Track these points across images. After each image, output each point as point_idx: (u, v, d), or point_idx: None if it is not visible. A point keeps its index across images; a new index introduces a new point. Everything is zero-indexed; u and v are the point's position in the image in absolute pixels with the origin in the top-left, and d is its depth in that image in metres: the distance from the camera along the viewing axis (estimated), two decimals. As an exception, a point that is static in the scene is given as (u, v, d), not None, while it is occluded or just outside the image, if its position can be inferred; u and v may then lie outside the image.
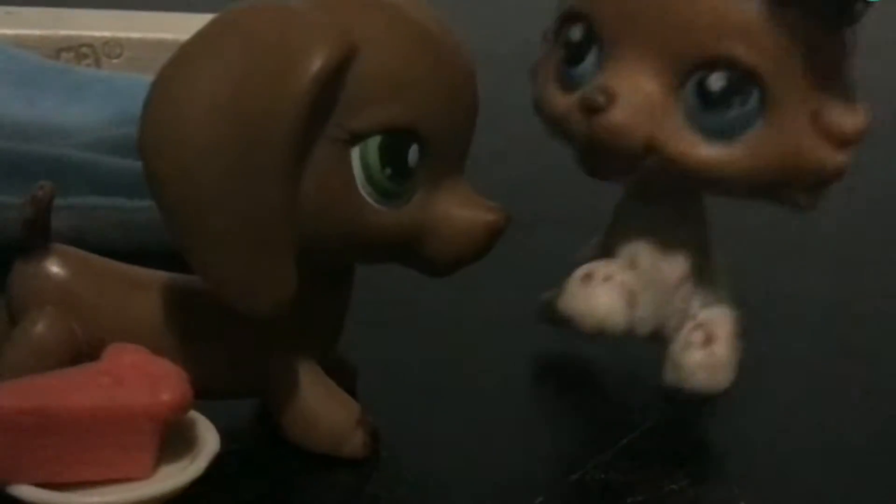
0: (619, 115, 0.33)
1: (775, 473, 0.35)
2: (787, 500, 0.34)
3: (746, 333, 0.42)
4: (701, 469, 0.35)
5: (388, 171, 0.31)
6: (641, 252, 0.36)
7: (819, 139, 0.33)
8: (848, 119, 0.33)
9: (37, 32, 0.63)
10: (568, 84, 0.35)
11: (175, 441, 0.32)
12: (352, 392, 0.35)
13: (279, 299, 0.31)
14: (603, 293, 0.35)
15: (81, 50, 0.63)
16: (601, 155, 0.34)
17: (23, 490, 0.30)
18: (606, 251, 0.37)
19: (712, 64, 0.33)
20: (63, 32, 0.63)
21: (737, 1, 0.32)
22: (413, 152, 0.31)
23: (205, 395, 0.32)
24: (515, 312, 0.42)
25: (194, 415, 0.32)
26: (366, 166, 0.31)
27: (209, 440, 0.32)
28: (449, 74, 0.32)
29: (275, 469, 0.33)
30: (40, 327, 0.33)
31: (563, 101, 0.35)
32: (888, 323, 0.46)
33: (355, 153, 0.31)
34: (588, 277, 0.35)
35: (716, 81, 0.33)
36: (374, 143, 0.31)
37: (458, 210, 0.32)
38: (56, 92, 0.57)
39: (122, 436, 0.30)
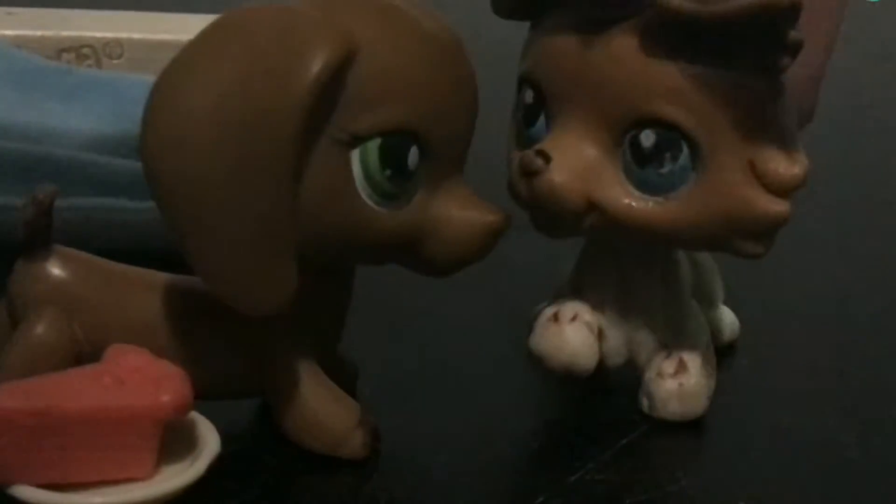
0: (555, 177, 0.34)
1: (775, 474, 0.35)
2: (786, 500, 0.34)
3: (735, 331, 0.42)
4: (700, 470, 0.36)
5: (388, 172, 0.31)
6: (608, 291, 0.37)
7: (757, 189, 0.34)
8: (786, 167, 0.34)
9: (37, 33, 0.63)
10: (525, 144, 0.36)
11: (176, 442, 0.32)
12: (351, 392, 0.35)
13: (280, 299, 0.31)
14: (570, 333, 0.36)
15: (82, 51, 0.63)
16: (543, 215, 0.35)
17: (25, 491, 0.30)
18: (576, 286, 0.38)
19: (642, 123, 0.33)
20: (64, 33, 0.63)
21: (661, 62, 0.33)
22: (413, 154, 0.31)
23: (205, 395, 0.32)
24: (514, 313, 0.42)
25: (195, 415, 0.33)
26: (366, 168, 0.31)
27: (210, 441, 0.32)
28: (449, 76, 0.32)
29: (275, 469, 0.33)
30: (41, 328, 0.33)
31: (513, 161, 0.36)
32: (889, 321, 0.46)
33: (355, 155, 0.31)
34: (555, 318, 0.36)
35: (646, 139, 0.33)
36: (374, 145, 0.31)
37: (458, 211, 0.32)
38: (57, 93, 0.57)
39: (123, 436, 0.31)
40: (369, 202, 0.31)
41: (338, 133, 0.30)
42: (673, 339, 0.37)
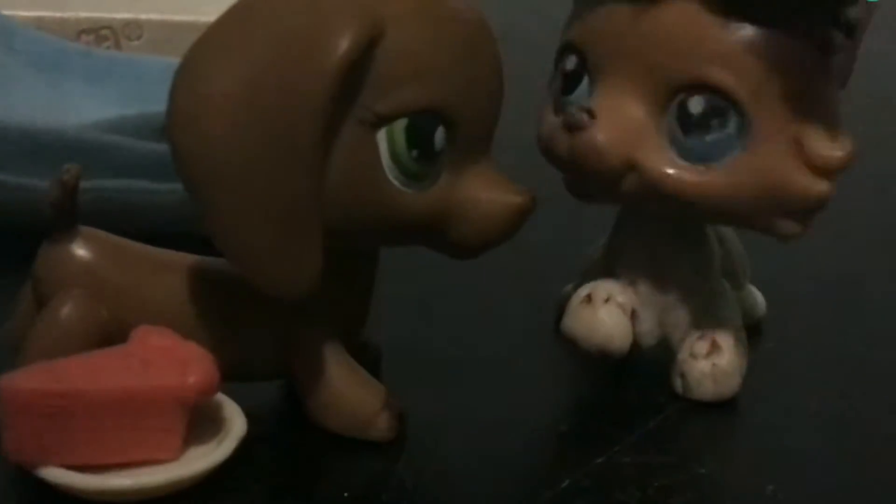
0: (598, 134, 0.33)
1: (803, 456, 0.35)
2: (814, 484, 0.34)
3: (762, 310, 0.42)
4: (728, 452, 0.35)
5: (415, 153, 0.31)
6: (640, 272, 0.37)
7: (800, 167, 0.33)
8: (830, 148, 0.33)
9: (56, 14, 0.63)
10: (563, 110, 0.35)
11: (202, 424, 0.32)
12: (376, 374, 0.35)
13: (306, 281, 0.31)
14: (604, 314, 0.36)
15: (101, 32, 0.63)
16: (581, 174, 0.34)
17: (53, 472, 0.30)
18: (607, 267, 0.38)
19: (692, 88, 0.33)
20: (83, 14, 0.63)
21: (716, 27, 0.33)
22: (439, 134, 0.31)
23: (231, 377, 0.32)
24: (541, 293, 0.42)
25: (221, 398, 0.33)
26: (392, 148, 0.31)
27: (236, 423, 0.32)
28: (475, 55, 0.32)
29: (301, 452, 0.33)
30: (67, 310, 0.33)
31: (551, 123, 0.36)
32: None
33: (381, 135, 0.30)
34: (588, 299, 0.36)
35: (695, 105, 0.33)
36: (400, 125, 0.30)
37: (485, 192, 0.32)
38: (77, 75, 0.57)
39: (149, 418, 0.31)
40: (396, 183, 0.31)
41: (364, 113, 0.30)
42: (705, 320, 0.37)
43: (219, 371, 0.31)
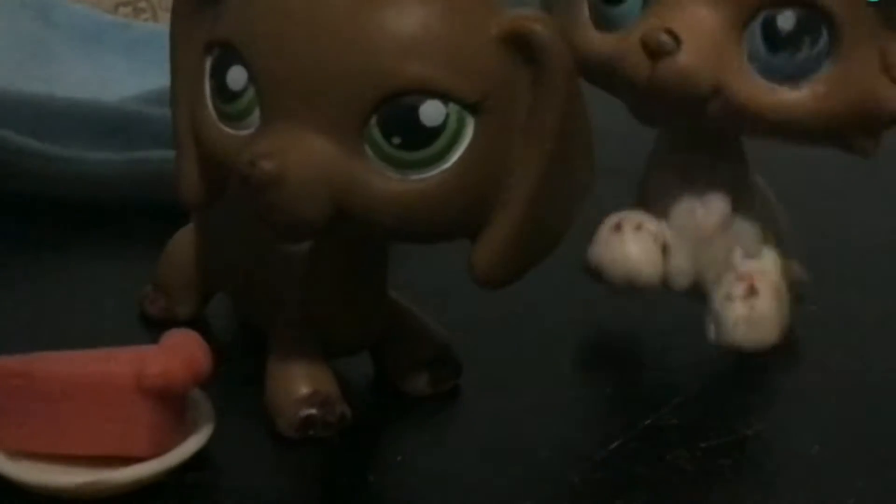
0: (686, 59, 0.31)
1: (849, 417, 0.35)
2: (861, 444, 0.34)
3: (804, 284, 0.41)
4: (774, 414, 0.35)
5: (213, 84, 0.30)
6: (675, 200, 0.35)
7: (885, 80, 0.32)
8: None
9: (94, -12, 0.63)
10: (607, 23, 0.33)
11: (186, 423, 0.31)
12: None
13: (185, 191, 0.32)
14: (633, 242, 0.34)
15: (139, 4, 0.63)
16: (662, 100, 0.32)
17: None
18: (641, 201, 0.36)
19: (779, 2, 0.31)
20: (120, -12, 0.63)
21: None
22: (235, 73, 0.29)
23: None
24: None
25: (197, 394, 0.31)
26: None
27: (200, 428, 0.31)
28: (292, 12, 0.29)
29: (363, 414, 0.33)
30: None
31: (604, 43, 0.33)
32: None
33: (207, 63, 0.30)
34: (618, 227, 0.35)
35: (785, 21, 0.31)
36: (214, 54, 0.30)
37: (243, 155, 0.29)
38: (117, 47, 0.57)
39: (110, 407, 0.29)
40: (213, 115, 0.30)
41: (203, 38, 0.31)
42: (743, 262, 0.35)
43: (201, 365, 0.30)
